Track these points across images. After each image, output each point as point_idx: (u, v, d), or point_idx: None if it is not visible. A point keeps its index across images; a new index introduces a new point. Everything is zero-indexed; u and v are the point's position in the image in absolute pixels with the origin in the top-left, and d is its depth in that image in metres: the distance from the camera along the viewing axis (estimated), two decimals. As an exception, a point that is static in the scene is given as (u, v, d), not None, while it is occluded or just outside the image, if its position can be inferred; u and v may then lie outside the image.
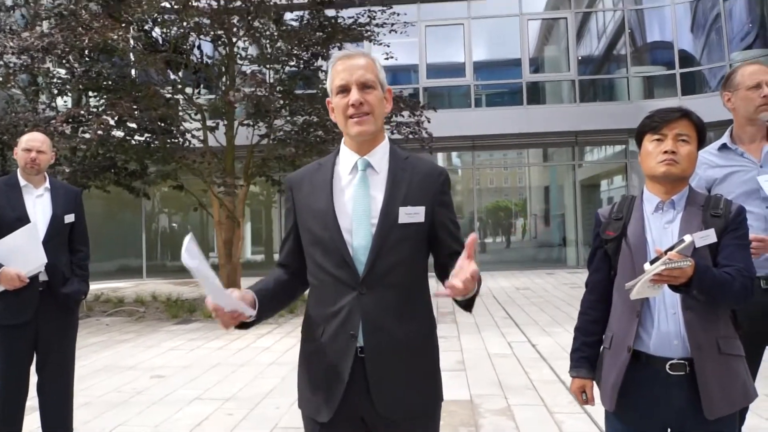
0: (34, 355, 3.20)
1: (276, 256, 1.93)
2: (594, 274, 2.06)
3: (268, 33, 10.43)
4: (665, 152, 1.85)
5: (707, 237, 1.80)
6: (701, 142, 1.92)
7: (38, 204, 3.19)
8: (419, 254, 1.70)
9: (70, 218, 3.26)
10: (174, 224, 17.52)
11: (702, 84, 14.76)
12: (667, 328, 1.82)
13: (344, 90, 1.68)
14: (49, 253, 3.11)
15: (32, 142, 3.18)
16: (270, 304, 1.72)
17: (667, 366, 1.81)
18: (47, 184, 3.26)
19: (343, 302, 1.65)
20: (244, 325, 1.68)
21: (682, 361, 1.80)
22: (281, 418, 4.30)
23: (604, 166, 16.64)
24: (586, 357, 2.04)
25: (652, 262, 1.66)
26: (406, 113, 10.66)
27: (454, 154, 16.68)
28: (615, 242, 1.95)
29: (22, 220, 3.08)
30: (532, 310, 8.85)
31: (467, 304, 1.63)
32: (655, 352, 1.83)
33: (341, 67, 1.69)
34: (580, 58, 15.75)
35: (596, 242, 2.05)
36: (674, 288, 1.70)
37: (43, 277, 3.13)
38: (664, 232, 1.88)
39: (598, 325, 2.03)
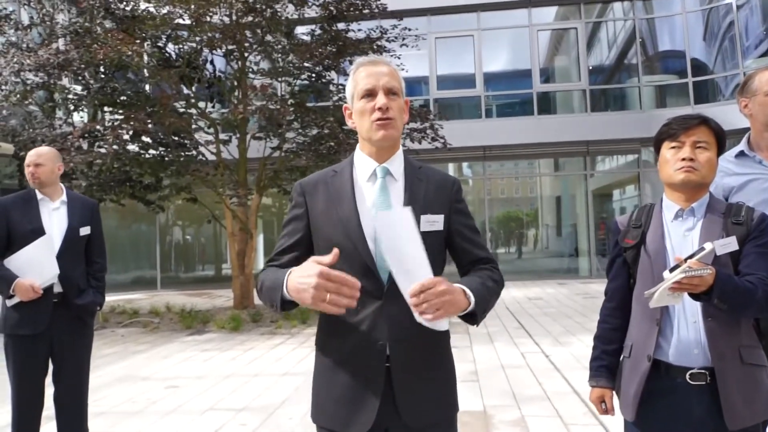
0: (50, 366, 3.23)
1: None
2: (613, 281, 2.05)
3: (279, 47, 10.56)
4: (683, 159, 1.84)
5: (728, 245, 1.77)
6: (721, 149, 1.90)
7: (54, 216, 3.23)
8: (438, 262, 1.68)
9: (85, 230, 3.30)
10: (188, 236, 17.65)
11: (715, 92, 14.68)
12: (687, 337, 1.80)
13: (370, 94, 1.67)
14: (64, 265, 3.16)
15: (30, 156, 3.23)
16: None
17: (688, 375, 1.79)
18: (64, 197, 3.30)
19: (366, 312, 1.62)
20: (285, 308, 1.58)
21: (703, 371, 1.77)
22: (295, 428, 4.32)
23: (617, 175, 16.57)
24: (606, 366, 2.02)
25: (671, 270, 1.64)
26: (417, 123, 10.74)
27: (465, 164, 16.69)
28: (634, 250, 1.94)
29: (38, 232, 3.13)
30: (545, 321, 8.80)
31: (469, 318, 1.58)
32: (675, 361, 1.81)
33: (366, 73, 1.69)
34: (590, 67, 15.74)
35: (615, 250, 2.03)
36: (694, 296, 1.69)
37: (57, 289, 3.17)
38: (684, 239, 1.86)
39: (618, 333, 2.01)
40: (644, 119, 14.54)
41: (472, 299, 1.52)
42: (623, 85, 15.86)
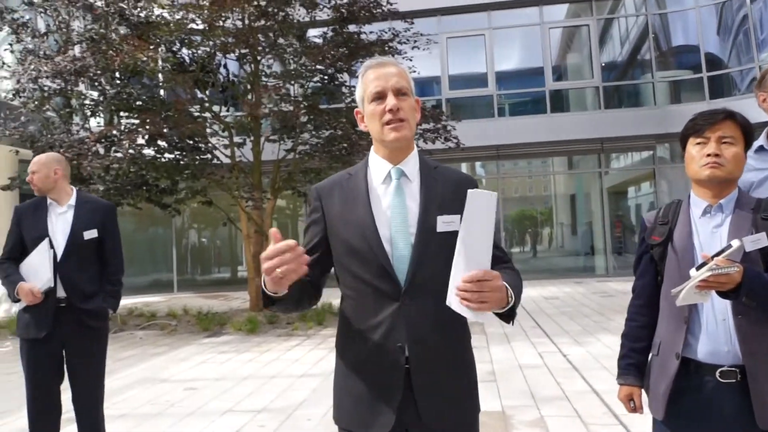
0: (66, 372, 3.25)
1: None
2: (640, 279, 2.04)
3: (291, 50, 10.61)
4: (708, 155, 1.83)
5: (759, 241, 1.74)
6: (748, 143, 1.88)
7: (60, 221, 3.24)
8: None
9: (91, 234, 3.26)
10: (203, 239, 17.78)
11: (730, 87, 14.52)
12: (716, 335, 1.78)
13: (380, 97, 1.66)
14: (67, 269, 3.17)
15: (30, 165, 3.28)
16: (296, 291, 1.58)
17: (718, 373, 1.77)
18: (72, 201, 3.29)
19: (384, 313, 1.62)
20: (271, 301, 1.57)
21: (733, 369, 1.76)
22: (313, 429, 4.34)
23: (632, 172, 16.45)
24: (634, 364, 2.02)
25: (698, 268, 1.63)
26: (430, 122, 10.75)
27: (478, 163, 16.65)
28: (661, 247, 1.92)
29: (43, 237, 3.16)
30: (562, 320, 8.76)
31: (506, 315, 1.55)
32: (705, 359, 1.79)
33: (374, 75, 1.69)
34: (603, 64, 15.63)
35: (642, 247, 2.02)
36: (722, 294, 1.67)
37: (60, 293, 3.17)
38: (712, 236, 1.84)
39: (646, 330, 2.01)
40: (659, 115, 14.42)
41: (513, 298, 1.51)
42: (637, 81, 15.74)
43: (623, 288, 12.21)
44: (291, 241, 1.43)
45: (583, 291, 12.27)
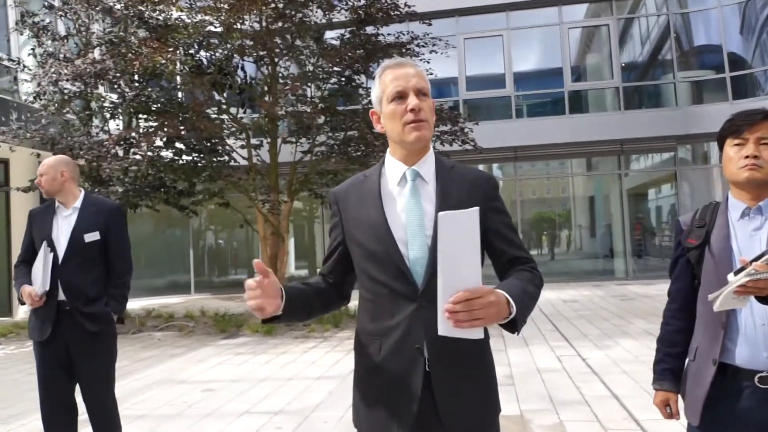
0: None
1: (319, 270, 1.86)
2: (676, 282, 2.01)
3: (308, 51, 10.63)
4: (746, 157, 1.78)
5: None
6: None
7: (64, 223, 3.22)
8: None
9: (92, 236, 3.20)
10: (220, 241, 17.88)
11: (754, 87, 14.27)
12: (755, 340, 1.74)
13: (401, 96, 1.65)
14: (68, 273, 3.14)
15: (38, 168, 3.29)
16: (300, 305, 1.66)
17: (756, 379, 1.73)
18: (77, 203, 3.26)
19: (402, 315, 1.61)
20: (271, 319, 1.60)
21: None
22: (330, 431, 4.32)
23: (652, 174, 16.23)
24: (670, 369, 1.99)
25: (736, 273, 1.59)
26: (448, 124, 10.71)
27: (495, 165, 16.54)
28: (698, 250, 1.88)
29: (47, 240, 3.17)
30: (581, 323, 8.65)
31: (508, 326, 1.51)
32: (743, 364, 1.75)
33: (393, 75, 1.67)
34: (623, 64, 15.45)
35: (678, 251, 1.99)
36: (761, 299, 1.63)
37: (61, 297, 3.14)
38: (750, 240, 1.79)
39: (682, 335, 1.98)
40: (680, 116, 14.22)
41: (514, 308, 1.46)
42: (658, 81, 15.53)
43: (643, 291, 12.05)
44: (258, 279, 1.52)
45: (602, 294, 12.12)
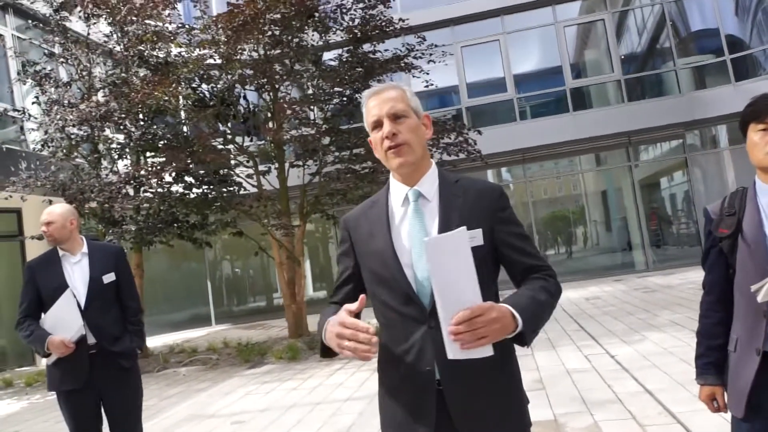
0: (104, 416, 3.28)
1: None
2: (710, 274, 1.98)
3: (308, 74, 10.70)
4: None
5: None
6: None
7: (76, 270, 3.29)
8: (484, 277, 1.62)
9: (109, 278, 3.33)
10: (237, 270, 17.92)
11: (756, 67, 14.15)
12: None
13: (378, 125, 1.68)
14: (93, 315, 3.21)
15: (42, 217, 3.31)
16: None
17: None
18: (84, 249, 3.35)
19: (414, 338, 1.62)
20: (329, 355, 1.65)
21: None
22: (363, 454, 4.26)
23: (662, 163, 16.09)
24: (713, 362, 1.95)
25: None
26: (452, 135, 10.69)
27: (503, 169, 16.49)
28: (730, 239, 1.85)
29: (62, 288, 3.18)
30: (606, 320, 8.54)
31: (517, 339, 1.51)
32: None
33: (372, 104, 1.70)
34: (622, 57, 15.40)
35: (709, 241, 1.95)
36: None
37: (91, 340, 3.20)
38: None
39: (721, 327, 1.94)
40: (684, 102, 14.12)
41: (520, 321, 1.45)
42: (659, 70, 15.44)
43: (665, 282, 11.89)
44: (370, 327, 1.48)
45: (625, 288, 11.97)
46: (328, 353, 1.63)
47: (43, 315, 3.25)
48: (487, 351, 1.41)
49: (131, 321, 3.40)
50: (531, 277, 1.67)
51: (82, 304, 3.20)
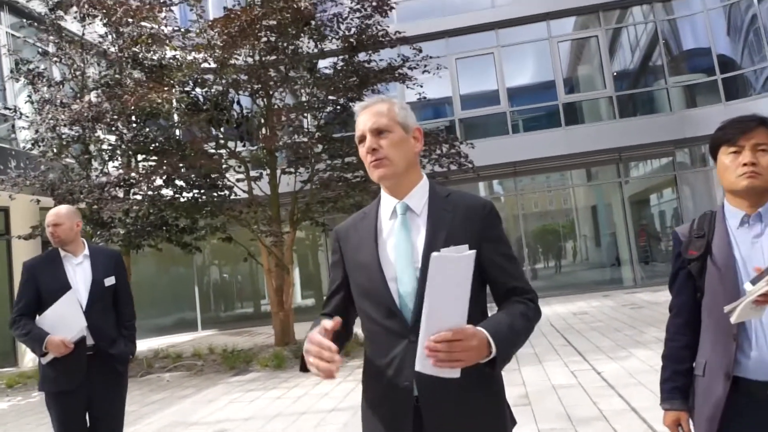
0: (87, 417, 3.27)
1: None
2: (678, 296, 1.97)
3: (302, 81, 10.70)
4: (745, 165, 1.76)
5: None
6: None
7: (78, 271, 3.31)
8: (472, 294, 1.58)
9: (110, 281, 3.37)
10: (225, 275, 17.81)
11: (746, 87, 14.32)
12: (766, 350, 1.70)
13: (362, 139, 1.70)
14: (94, 317, 3.22)
15: (49, 217, 3.31)
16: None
17: None
18: (86, 251, 3.37)
19: (395, 352, 1.62)
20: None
21: None
22: (347, 466, 4.23)
23: (652, 180, 16.20)
24: (679, 387, 1.93)
25: (753, 282, 1.55)
26: (445, 147, 10.71)
27: (495, 181, 16.54)
28: (699, 262, 1.85)
29: (65, 289, 3.18)
30: (593, 336, 8.56)
31: (488, 364, 1.49)
32: (756, 376, 1.71)
33: (360, 118, 1.72)
34: (615, 73, 15.53)
35: (677, 263, 1.95)
36: None
37: (89, 341, 3.21)
38: (753, 247, 1.77)
39: (688, 351, 1.93)
40: (675, 120, 14.25)
41: (494, 350, 1.45)
42: (650, 88, 15.59)
43: (653, 299, 11.94)
44: (333, 345, 1.49)
45: (612, 304, 12.01)
46: (305, 367, 1.61)
47: (38, 314, 3.23)
48: (454, 373, 1.41)
49: (125, 325, 3.44)
50: (512, 300, 1.66)
51: (84, 306, 3.21)
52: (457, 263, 1.37)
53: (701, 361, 1.86)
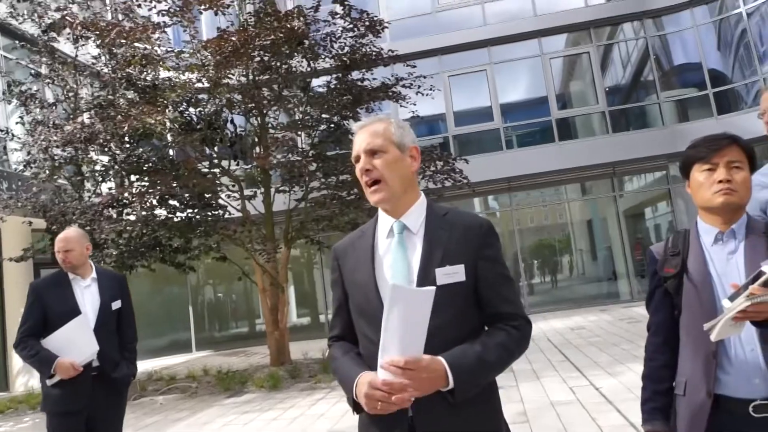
0: None
1: (321, 318, 1.82)
2: (655, 315, 1.94)
3: (296, 100, 10.72)
4: (720, 182, 1.75)
5: None
6: (753, 167, 1.82)
7: (86, 294, 3.33)
8: (467, 313, 1.62)
9: (116, 304, 3.42)
10: (219, 295, 17.70)
11: (737, 101, 14.44)
12: (746, 367, 1.68)
13: (358, 159, 1.71)
14: (99, 340, 3.23)
15: (59, 243, 3.32)
16: None
17: (751, 408, 1.66)
18: (94, 274, 3.40)
19: None
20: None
21: (766, 401, 1.66)
22: (343, 489, 4.15)
23: (646, 194, 16.25)
24: (659, 407, 1.90)
25: (731, 299, 1.54)
26: (439, 164, 10.71)
27: (490, 197, 16.56)
28: (676, 279, 1.83)
29: (74, 312, 3.21)
30: (591, 351, 8.49)
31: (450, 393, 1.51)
32: (736, 393, 1.69)
33: (357, 138, 1.73)
34: (607, 89, 15.65)
35: (654, 281, 1.93)
36: (757, 324, 1.59)
37: (95, 363, 3.25)
38: (728, 264, 1.76)
39: (668, 370, 1.90)
40: (668, 135, 14.33)
41: (451, 382, 1.48)
42: (642, 103, 15.70)
43: (650, 313, 11.89)
44: (404, 392, 1.49)
45: (609, 318, 11.96)
46: (358, 408, 1.60)
47: (43, 336, 3.23)
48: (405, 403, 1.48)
49: (127, 347, 3.48)
50: (496, 326, 1.64)
51: (91, 329, 3.24)
52: (415, 296, 1.41)
53: (681, 381, 1.83)
